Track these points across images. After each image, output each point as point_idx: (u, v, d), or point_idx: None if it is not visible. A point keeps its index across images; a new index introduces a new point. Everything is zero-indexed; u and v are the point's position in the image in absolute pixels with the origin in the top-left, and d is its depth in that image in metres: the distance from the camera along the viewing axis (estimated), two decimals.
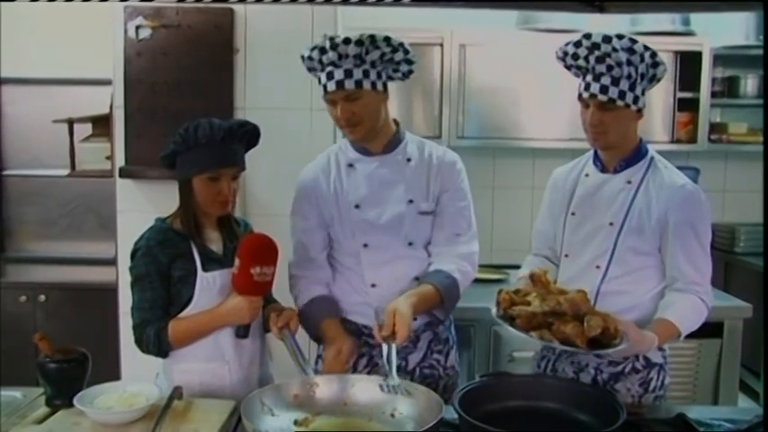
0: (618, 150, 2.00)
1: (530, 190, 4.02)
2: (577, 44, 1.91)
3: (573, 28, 3.64)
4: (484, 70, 3.68)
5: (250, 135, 1.99)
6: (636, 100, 1.90)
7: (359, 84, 1.95)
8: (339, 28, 3.08)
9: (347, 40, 1.93)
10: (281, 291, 2.19)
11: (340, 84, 1.94)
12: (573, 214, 2.08)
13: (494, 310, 1.88)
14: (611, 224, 1.99)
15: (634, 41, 1.88)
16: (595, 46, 1.87)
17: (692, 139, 3.84)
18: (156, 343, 1.90)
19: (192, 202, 1.95)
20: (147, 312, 1.91)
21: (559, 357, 2.11)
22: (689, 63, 3.76)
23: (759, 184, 3.95)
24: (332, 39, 1.95)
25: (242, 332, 1.95)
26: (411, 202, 2.08)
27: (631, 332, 1.77)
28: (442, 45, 3.61)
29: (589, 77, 1.91)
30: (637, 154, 2.01)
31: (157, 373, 2.03)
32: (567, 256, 2.10)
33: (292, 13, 2.97)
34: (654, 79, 1.94)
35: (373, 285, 2.09)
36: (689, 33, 3.77)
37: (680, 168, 2.10)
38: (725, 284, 4.04)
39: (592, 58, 1.89)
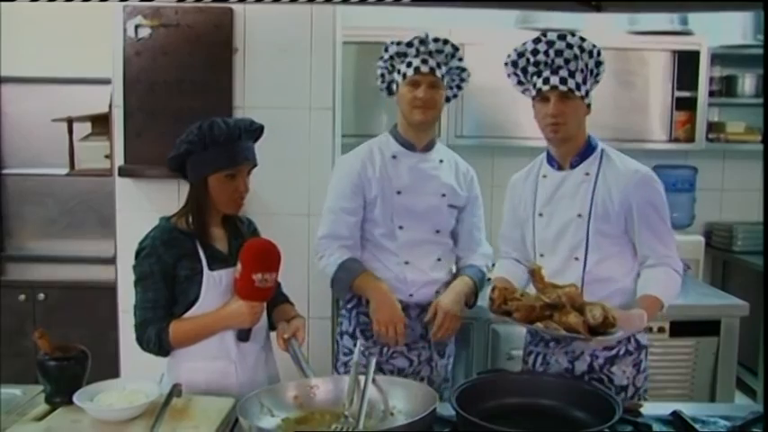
0: (571, 146, 2.11)
1: None
2: (536, 41, 2.07)
3: (571, 27, 3.64)
4: (482, 69, 3.64)
5: (259, 133, 2.05)
6: (587, 93, 2.07)
7: (443, 77, 2.31)
8: (338, 27, 3.08)
9: (446, 41, 2.30)
10: (292, 288, 2.21)
11: (433, 69, 2.27)
12: (540, 215, 2.16)
13: (487, 305, 1.99)
14: (579, 216, 2.08)
15: (583, 39, 2.05)
16: (551, 42, 2.04)
17: (690, 139, 3.84)
18: (156, 343, 1.91)
19: (203, 201, 1.97)
20: (148, 312, 1.92)
21: (551, 350, 2.15)
22: (687, 62, 3.76)
23: (757, 183, 3.96)
24: (429, 35, 2.28)
25: (243, 336, 1.96)
26: (443, 196, 2.38)
27: (619, 316, 1.84)
28: None
29: (547, 72, 2.04)
30: (587, 148, 2.13)
31: (162, 374, 2.02)
32: (542, 255, 2.17)
33: (291, 13, 2.97)
34: (597, 78, 2.11)
35: (407, 263, 2.35)
36: (687, 33, 3.77)
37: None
38: (723, 283, 4.05)
39: (552, 52, 2.04)
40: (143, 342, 1.93)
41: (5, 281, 3.65)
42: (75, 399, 1.72)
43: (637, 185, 2.05)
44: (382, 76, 2.39)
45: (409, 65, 2.27)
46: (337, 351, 2.46)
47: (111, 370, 2.66)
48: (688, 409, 1.82)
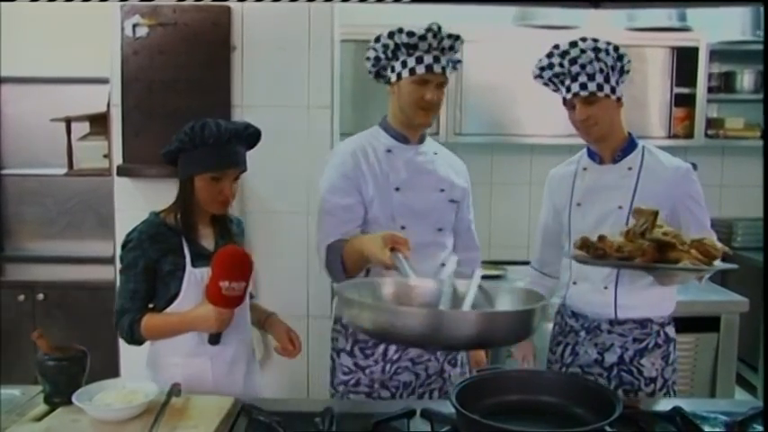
0: (611, 141, 2.19)
1: (527, 186, 4.03)
2: (549, 55, 2.16)
3: (570, 24, 3.65)
4: (481, 67, 3.68)
5: (253, 138, 2.04)
6: (613, 90, 2.12)
7: (448, 75, 2.15)
8: (336, 25, 3.08)
9: (458, 37, 2.13)
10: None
11: (444, 69, 2.11)
12: (578, 205, 2.22)
13: (580, 257, 1.95)
14: (619, 207, 2.14)
15: (596, 40, 2.11)
16: (565, 53, 2.12)
17: (689, 135, 3.85)
18: (128, 332, 1.95)
19: (191, 199, 1.98)
20: (126, 302, 1.96)
21: (580, 341, 2.20)
22: (685, 58, 3.76)
23: (756, 179, 3.96)
24: (442, 29, 2.10)
25: (213, 339, 1.96)
26: (442, 191, 2.22)
27: None
28: None
29: (568, 81, 2.14)
30: (630, 144, 2.21)
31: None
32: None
33: (290, 11, 2.97)
34: (623, 71, 2.16)
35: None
36: (685, 29, 3.77)
37: None
38: (722, 279, 4.04)
39: (566, 62, 2.12)
40: (118, 328, 1.97)
41: (4, 281, 3.65)
42: (74, 399, 1.72)
43: (680, 181, 2.16)
44: (377, 59, 2.16)
45: (419, 60, 2.07)
46: (334, 369, 2.24)
47: (110, 370, 2.66)
48: (688, 404, 1.81)
